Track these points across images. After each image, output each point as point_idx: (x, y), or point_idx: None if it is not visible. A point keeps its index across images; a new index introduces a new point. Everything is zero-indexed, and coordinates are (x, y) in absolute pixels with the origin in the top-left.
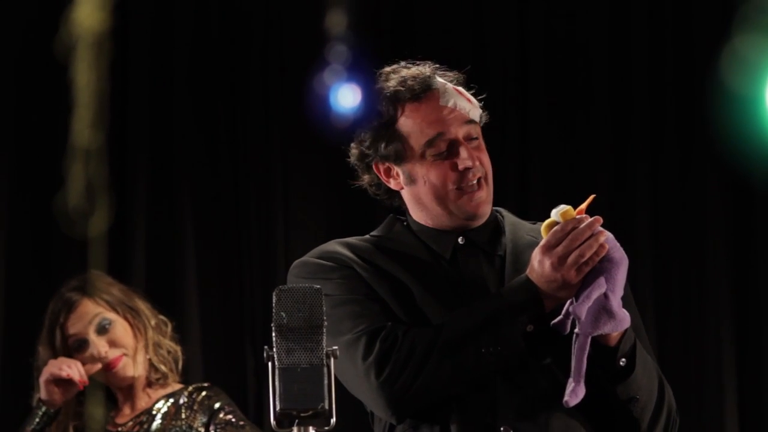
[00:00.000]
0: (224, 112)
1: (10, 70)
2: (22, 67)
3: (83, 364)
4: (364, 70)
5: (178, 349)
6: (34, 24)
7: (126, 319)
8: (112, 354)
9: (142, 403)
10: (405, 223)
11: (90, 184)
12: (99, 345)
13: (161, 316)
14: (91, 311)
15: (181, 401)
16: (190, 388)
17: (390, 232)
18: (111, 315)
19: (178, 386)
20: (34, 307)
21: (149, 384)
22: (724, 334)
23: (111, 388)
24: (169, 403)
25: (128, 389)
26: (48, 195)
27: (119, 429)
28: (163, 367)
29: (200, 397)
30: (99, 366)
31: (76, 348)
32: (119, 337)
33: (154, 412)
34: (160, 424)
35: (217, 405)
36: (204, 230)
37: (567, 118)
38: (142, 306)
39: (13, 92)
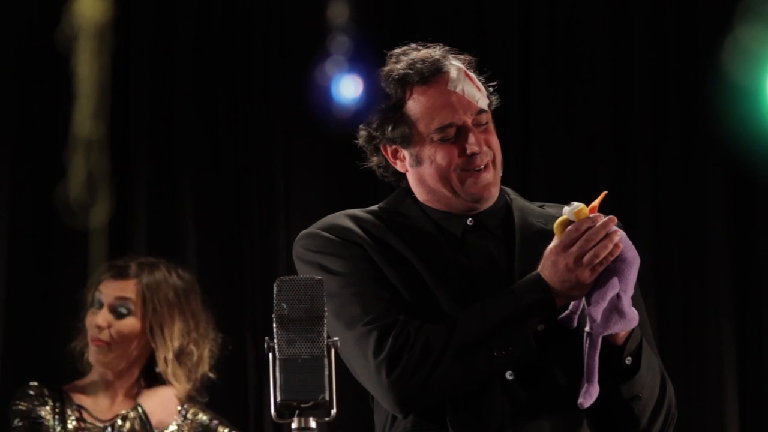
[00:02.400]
0: (226, 103)
1: (12, 61)
2: (24, 58)
3: (88, 323)
4: (366, 61)
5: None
6: (36, 15)
7: (142, 327)
8: (102, 335)
9: (122, 402)
10: (413, 197)
11: (91, 175)
12: (104, 317)
13: (216, 337)
14: (126, 290)
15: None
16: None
17: (400, 206)
18: (134, 308)
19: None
20: (34, 298)
21: (136, 393)
22: (725, 326)
23: (98, 381)
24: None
25: (111, 386)
26: (49, 186)
27: (102, 424)
28: (176, 383)
29: (193, 409)
30: None
31: (93, 305)
32: (122, 330)
33: (139, 414)
34: (148, 428)
35: (207, 417)
36: (205, 221)
37: (568, 109)
38: (203, 328)
39: (14, 83)
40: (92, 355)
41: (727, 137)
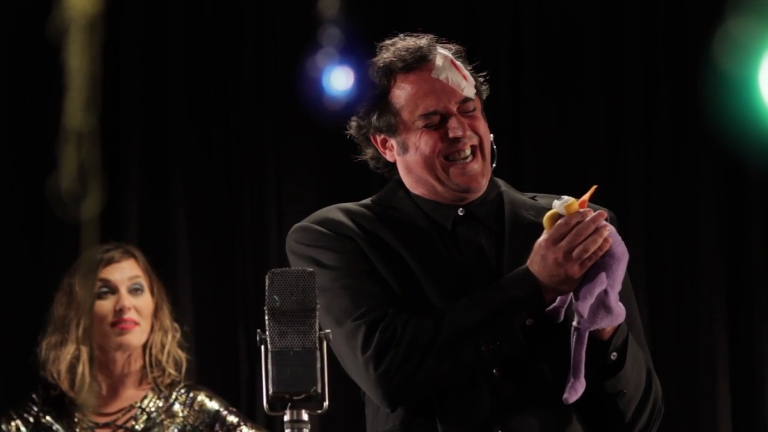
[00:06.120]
0: (217, 95)
1: (3, 53)
2: (15, 50)
3: (99, 312)
4: (357, 53)
5: (184, 356)
6: (26, 7)
7: (153, 299)
8: (131, 315)
9: (128, 394)
10: (405, 190)
11: (82, 167)
12: (127, 299)
13: (175, 323)
14: (133, 269)
15: (175, 398)
16: (181, 385)
17: (392, 199)
18: (146, 285)
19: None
20: (25, 291)
21: (142, 379)
22: (717, 321)
23: (98, 377)
24: (160, 399)
25: (118, 379)
26: (40, 178)
27: (107, 419)
28: (171, 370)
29: (199, 397)
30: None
31: (99, 294)
32: (143, 307)
33: (144, 406)
34: (156, 419)
35: (216, 406)
36: (197, 213)
37: (560, 103)
38: (166, 307)
39: (5, 75)
40: (116, 338)
41: (718, 130)
